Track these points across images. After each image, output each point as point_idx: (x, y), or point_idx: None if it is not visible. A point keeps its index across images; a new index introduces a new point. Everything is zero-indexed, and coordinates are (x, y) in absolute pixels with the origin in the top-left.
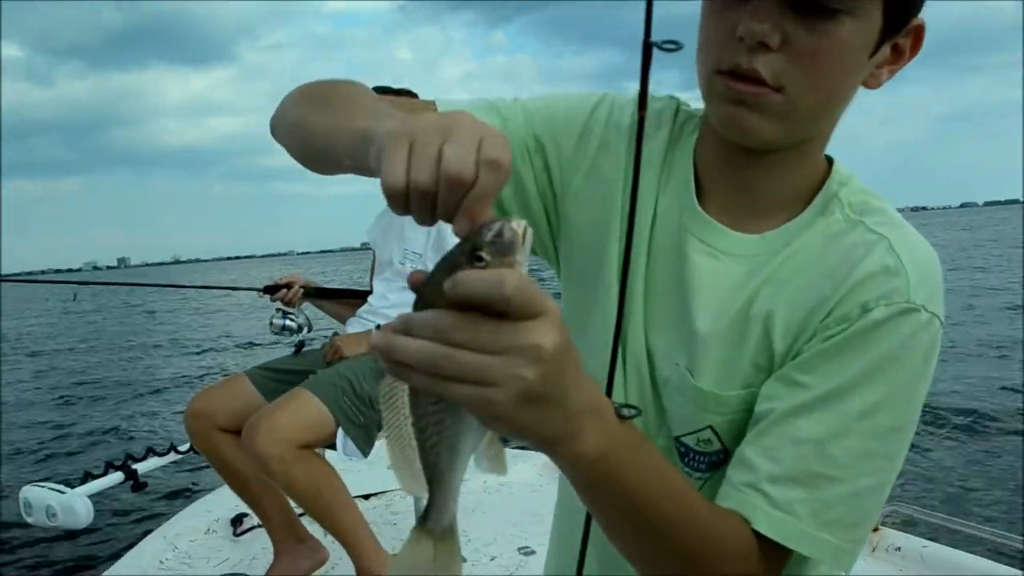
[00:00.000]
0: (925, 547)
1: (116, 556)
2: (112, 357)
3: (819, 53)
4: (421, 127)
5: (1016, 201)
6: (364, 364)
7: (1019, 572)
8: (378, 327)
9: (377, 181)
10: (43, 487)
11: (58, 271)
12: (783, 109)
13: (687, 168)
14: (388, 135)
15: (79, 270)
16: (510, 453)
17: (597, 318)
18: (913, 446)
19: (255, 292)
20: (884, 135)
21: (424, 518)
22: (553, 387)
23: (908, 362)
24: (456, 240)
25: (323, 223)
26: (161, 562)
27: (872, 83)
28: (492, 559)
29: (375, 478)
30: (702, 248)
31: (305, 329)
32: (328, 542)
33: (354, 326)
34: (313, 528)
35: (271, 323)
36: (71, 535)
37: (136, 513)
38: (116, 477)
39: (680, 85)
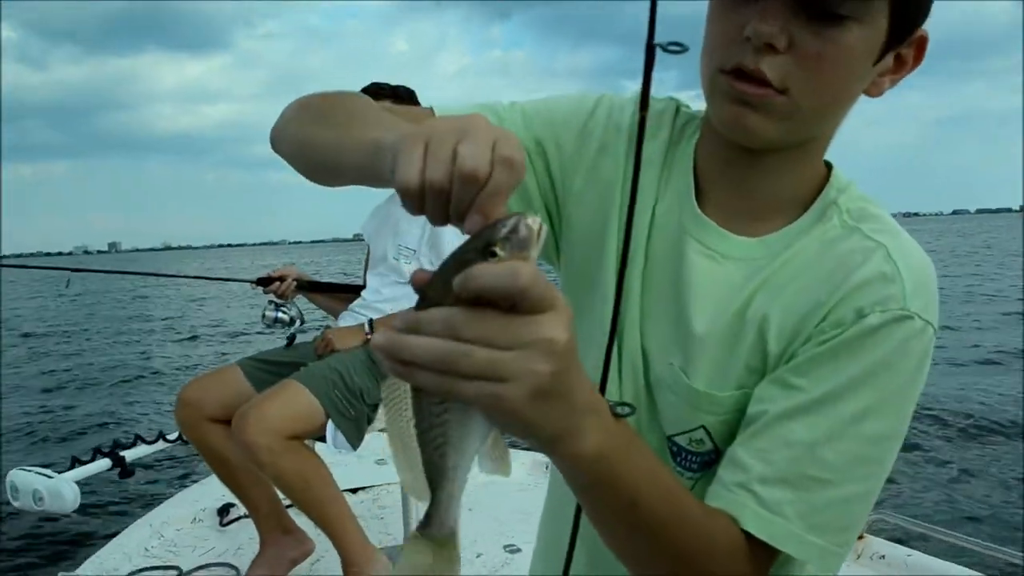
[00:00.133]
0: (909, 556)
1: (102, 543)
2: (103, 343)
3: (825, 57)
4: (437, 128)
5: (1009, 210)
6: (355, 357)
7: None
8: (371, 321)
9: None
10: (30, 471)
11: (48, 254)
12: (786, 111)
13: (687, 169)
14: (404, 137)
15: (70, 254)
16: None
17: (595, 318)
18: (908, 453)
19: (248, 284)
20: (876, 139)
21: (426, 523)
22: (561, 383)
23: (901, 369)
24: (453, 236)
25: (316, 213)
26: (146, 549)
27: (874, 91)
28: (478, 556)
29: (363, 472)
30: (701, 250)
31: (297, 322)
32: (315, 534)
33: (346, 320)
34: (300, 520)
35: (263, 315)
36: (57, 520)
37: (123, 502)
38: (103, 463)
39: (679, 85)
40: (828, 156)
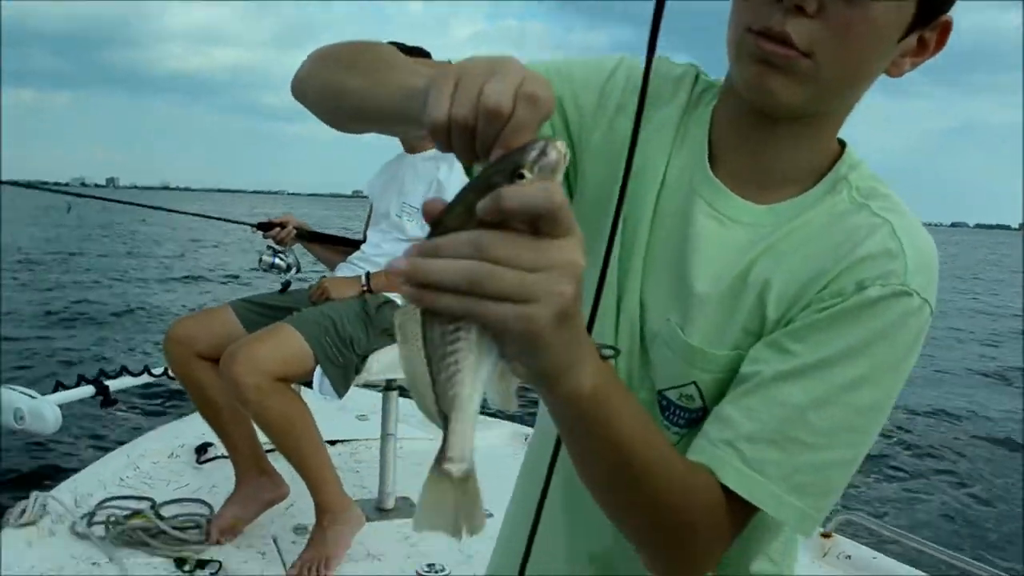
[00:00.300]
0: (875, 558)
1: (78, 470)
2: (97, 278)
3: (853, 27)
4: (468, 68)
5: (1008, 227)
6: (349, 307)
7: None
8: (368, 274)
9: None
10: (14, 389)
11: (45, 183)
12: (809, 75)
13: (702, 134)
14: (436, 77)
15: (67, 185)
16: (481, 421)
17: (598, 270)
18: (888, 465)
19: (249, 227)
20: (882, 142)
21: (440, 458)
22: (577, 309)
23: (897, 342)
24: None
25: (316, 167)
26: (122, 479)
27: (894, 71)
28: None
29: (344, 425)
30: (709, 212)
31: (293, 269)
32: (291, 481)
33: (343, 271)
34: (279, 466)
35: (260, 259)
36: (37, 445)
37: (103, 433)
38: (87, 390)
39: None
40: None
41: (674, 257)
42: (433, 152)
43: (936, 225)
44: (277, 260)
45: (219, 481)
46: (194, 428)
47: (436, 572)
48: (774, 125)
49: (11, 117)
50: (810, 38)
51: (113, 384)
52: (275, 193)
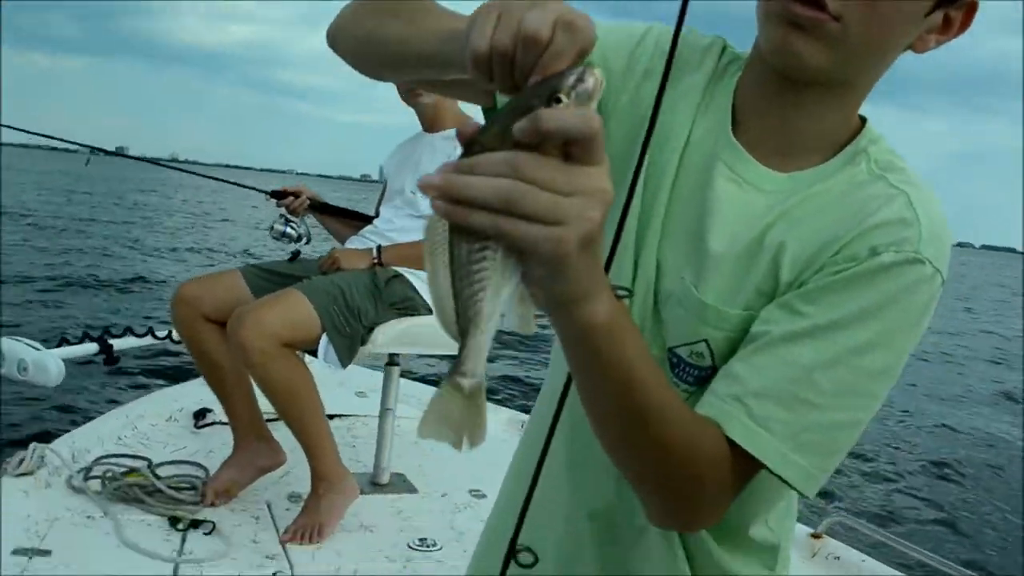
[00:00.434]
0: (864, 561)
1: (77, 425)
2: (107, 244)
3: None
4: (510, 3)
5: (1013, 250)
6: (359, 278)
7: None
8: (379, 247)
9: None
10: (20, 341)
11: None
12: (837, 38)
13: (727, 101)
14: (479, 11)
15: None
16: None
17: (614, 228)
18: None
19: (263, 195)
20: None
21: (453, 371)
22: (601, 236)
23: (908, 308)
24: None
25: (327, 148)
26: (120, 438)
27: (919, 47)
28: (443, 495)
29: (343, 400)
30: (729, 175)
31: (304, 240)
32: (289, 451)
33: (354, 243)
34: (278, 435)
35: (272, 227)
36: (39, 399)
37: (103, 391)
38: (91, 347)
39: None
40: None
41: (692, 219)
42: (451, 131)
43: None
44: (288, 229)
45: (216, 447)
46: (193, 393)
47: (428, 547)
48: (798, 93)
49: (24, 81)
50: (840, 3)
51: (117, 343)
52: (284, 172)
